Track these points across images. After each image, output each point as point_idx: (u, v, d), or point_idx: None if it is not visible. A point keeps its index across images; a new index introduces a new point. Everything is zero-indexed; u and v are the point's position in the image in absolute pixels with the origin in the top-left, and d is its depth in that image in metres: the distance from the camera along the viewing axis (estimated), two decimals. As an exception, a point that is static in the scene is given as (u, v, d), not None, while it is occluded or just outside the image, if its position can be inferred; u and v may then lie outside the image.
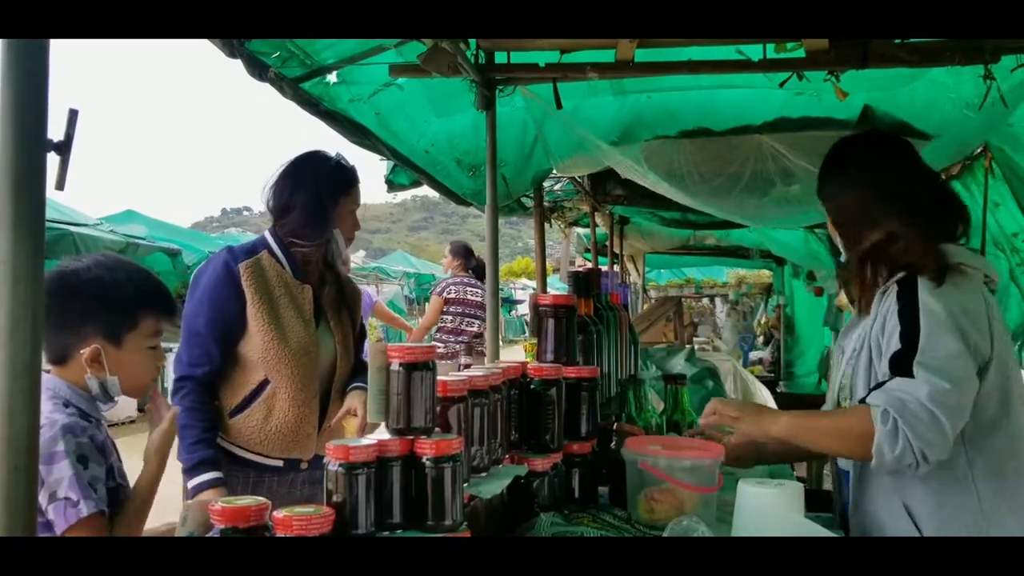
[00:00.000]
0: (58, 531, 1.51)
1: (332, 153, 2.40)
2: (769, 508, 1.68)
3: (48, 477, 1.49)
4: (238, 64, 2.20)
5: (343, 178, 2.39)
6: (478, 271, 5.96)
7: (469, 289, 5.88)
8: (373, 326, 18.24)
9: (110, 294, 1.66)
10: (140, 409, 10.67)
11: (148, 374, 1.73)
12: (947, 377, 1.55)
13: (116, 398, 1.67)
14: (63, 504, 1.49)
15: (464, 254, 6.11)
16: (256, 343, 2.25)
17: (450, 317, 5.84)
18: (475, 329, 5.90)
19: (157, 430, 1.71)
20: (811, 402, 9.42)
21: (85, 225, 8.83)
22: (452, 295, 5.85)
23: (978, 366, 1.60)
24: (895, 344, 1.62)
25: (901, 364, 1.59)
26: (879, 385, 1.62)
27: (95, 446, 1.58)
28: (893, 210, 1.74)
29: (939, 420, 1.53)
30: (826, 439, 1.75)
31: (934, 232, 1.71)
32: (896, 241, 1.71)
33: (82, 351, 1.61)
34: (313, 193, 2.31)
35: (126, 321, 1.67)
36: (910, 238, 1.70)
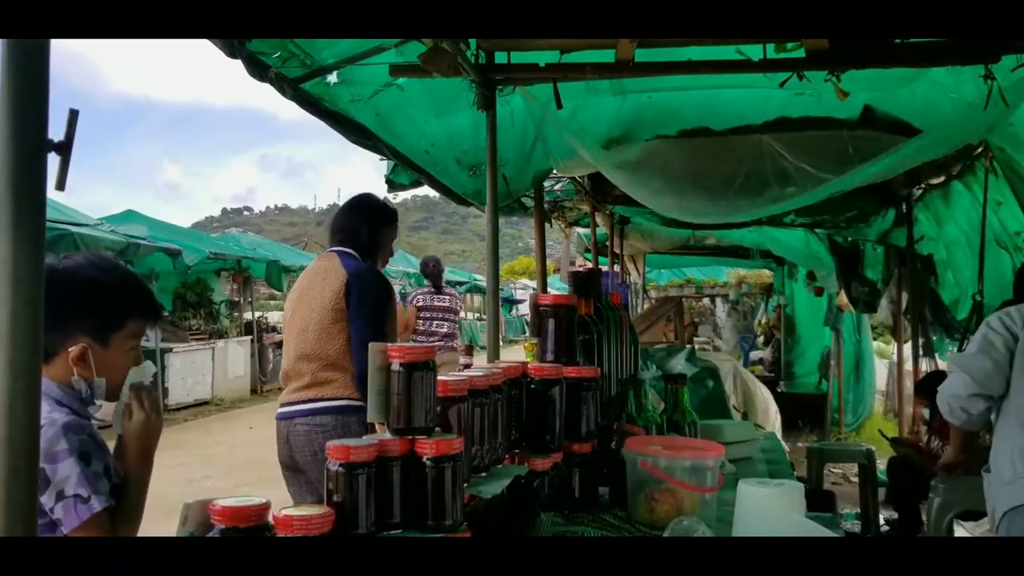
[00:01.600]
0: (66, 529, 1.48)
1: (380, 197, 3.28)
2: (770, 508, 1.68)
3: (54, 476, 1.48)
4: (239, 64, 2.20)
5: (391, 215, 3.18)
6: (433, 277, 6.99)
7: (435, 296, 6.88)
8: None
9: (102, 294, 1.65)
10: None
11: (126, 375, 1.70)
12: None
13: (99, 402, 1.65)
14: (73, 501, 1.48)
15: (421, 266, 7.42)
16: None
17: (422, 321, 6.77)
18: (445, 330, 6.83)
19: (143, 420, 1.67)
20: (811, 402, 9.47)
21: (86, 225, 8.83)
22: (420, 303, 6.84)
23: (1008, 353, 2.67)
24: None
25: None
26: None
27: (95, 443, 1.57)
28: None
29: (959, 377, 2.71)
30: (959, 443, 3.24)
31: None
32: None
33: (69, 349, 1.60)
34: (375, 226, 3.09)
35: (114, 321, 1.65)
36: None
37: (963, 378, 2.69)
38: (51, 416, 1.52)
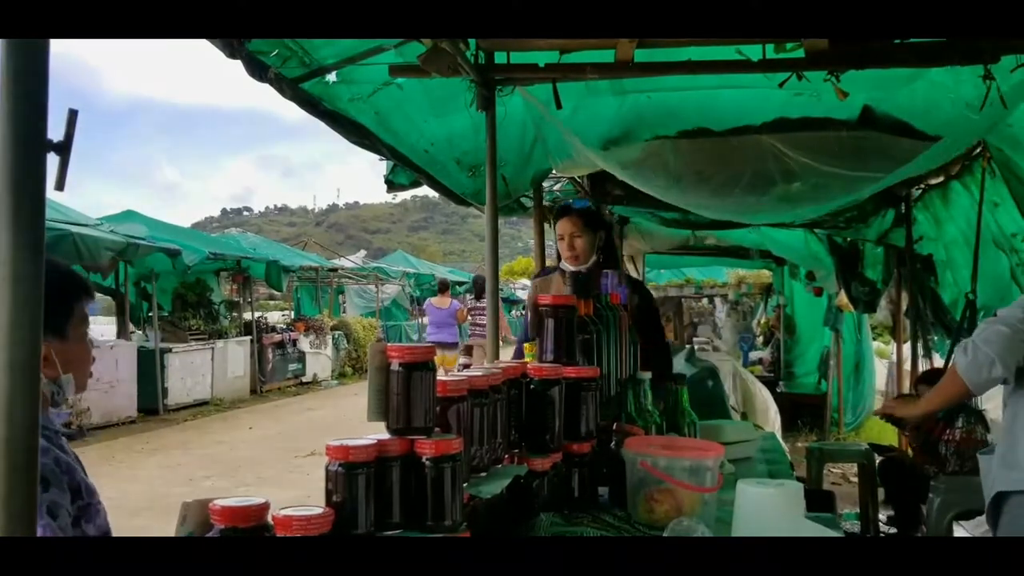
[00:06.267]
0: None
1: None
2: (769, 508, 1.68)
3: None
4: (238, 64, 2.20)
5: (605, 224, 3.31)
6: (476, 291, 11.32)
7: (477, 300, 11.16)
8: (374, 326, 18.26)
9: (51, 290, 1.61)
10: (140, 410, 10.67)
11: (89, 360, 1.68)
12: (1002, 320, 2.31)
13: (69, 398, 1.62)
14: None
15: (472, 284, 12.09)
16: None
17: (471, 317, 11.07)
18: (483, 322, 10.57)
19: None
20: (811, 402, 9.46)
21: (85, 225, 8.83)
22: (469, 305, 11.36)
23: None
24: None
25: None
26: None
27: (59, 468, 1.51)
28: None
29: (1000, 329, 2.27)
30: (943, 399, 2.67)
31: None
32: None
33: None
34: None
35: (66, 312, 1.62)
36: None
37: (1001, 331, 2.33)
38: None
